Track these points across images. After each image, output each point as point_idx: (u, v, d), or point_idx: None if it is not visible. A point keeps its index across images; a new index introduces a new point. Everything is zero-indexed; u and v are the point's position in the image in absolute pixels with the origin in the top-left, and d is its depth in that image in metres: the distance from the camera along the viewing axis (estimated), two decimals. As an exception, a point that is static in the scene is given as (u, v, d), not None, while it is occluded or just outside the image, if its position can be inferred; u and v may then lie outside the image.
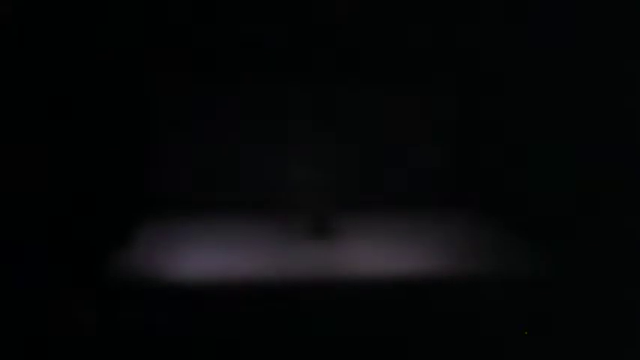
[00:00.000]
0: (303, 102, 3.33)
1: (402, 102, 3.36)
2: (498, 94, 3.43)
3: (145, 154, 3.34)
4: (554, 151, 3.47)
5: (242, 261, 2.64)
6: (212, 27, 3.27)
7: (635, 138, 3.45)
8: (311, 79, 3.36)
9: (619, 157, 3.45)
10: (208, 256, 2.69)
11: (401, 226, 3.04)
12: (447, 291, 2.57)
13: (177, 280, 2.51)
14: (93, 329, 2.51)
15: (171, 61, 3.29)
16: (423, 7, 3.33)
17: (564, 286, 2.61)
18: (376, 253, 2.70)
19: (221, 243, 2.83)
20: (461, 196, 3.43)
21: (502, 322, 2.59)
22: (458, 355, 2.58)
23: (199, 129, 3.31)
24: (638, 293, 2.95)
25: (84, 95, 3.28)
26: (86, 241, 3.25)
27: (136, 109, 3.32)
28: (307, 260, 2.64)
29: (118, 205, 3.34)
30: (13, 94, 3.23)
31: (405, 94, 3.37)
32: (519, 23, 3.36)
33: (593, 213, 3.42)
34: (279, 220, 3.13)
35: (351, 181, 3.36)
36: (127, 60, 3.28)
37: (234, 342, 2.54)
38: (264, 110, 3.33)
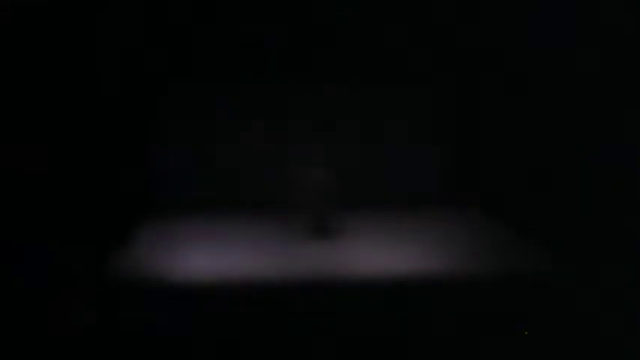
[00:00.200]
0: (303, 102, 3.33)
1: (403, 102, 3.36)
2: (498, 94, 3.43)
3: (145, 154, 3.34)
4: (555, 150, 3.47)
5: (242, 261, 2.64)
6: (212, 27, 3.27)
7: (635, 138, 3.44)
8: (311, 79, 3.36)
9: (619, 157, 3.45)
10: (209, 256, 2.69)
11: (402, 226, 3.04)
12: (448, 291, 2.57)
13: (178, 280, 2.50)
14: (93, 329, 2.51)
15: (171, 61, 3.29)
16: (422, 7, 3.33)
17: (564, 286, 2.61)
18: (377, 253, 2.70)
19: (222, 243, 2.83)
20: (461, 195, 3.43)
21: (502, 322, 2.59)
22: (458, 355, 2.58)
23: (200, 129, 3.31)
24: (638, 293, 2.95)
25: (84, 95, 3.28)
26: (86, 241, 3.25)
27: (136, 109, 3.32)
28: (308, 260, 2.64)
29: (118, 205, 3.34)
30: (14, 94, 3.23)
31: (405, 93, 3.36)
32: (519, 23, 3.36)
33: (593, 213, 3.42)
34: (280, 220, 3.12)
35: (351, 180, 3.36)
36: (127, 60, 3.27)
37: (235, 342, 2.54)
38: (265, 110, 3.33)
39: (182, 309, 2.51)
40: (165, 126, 3.29)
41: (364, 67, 3.37)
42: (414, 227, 3.02)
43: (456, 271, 2.57)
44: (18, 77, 3.22)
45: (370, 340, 2.55)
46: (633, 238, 3.29)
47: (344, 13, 3.31)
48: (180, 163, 3.30)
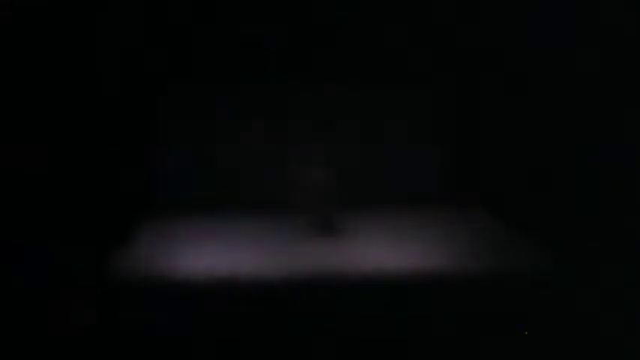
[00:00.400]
0: (303, 102, 3.33)
1: (403, 102, 3.36)
2: (498, 94, 3.43)
3: (145, 154, 3.34)
4: (555, 150, 3.47)
5: (243, 260, 2.63)
6: (212, 27, 3.27)
7: (635, 138, 3.44)
8: (311, 79, 3.36)
9: (619, 157, 3.45)
10: (209, 255, 2.69)
11: (401, 226, 3.04)
12: (448, 290, 2.57)
13: (179, 280, 2.50)
14: (93, 329, 2.51)
15: (171, 61, 3.30)
16: (422, 7, 3.33)
17: (564, 286, 2.61)
18: (377, 252, 2.70)
19: (222, 243, 2.83)
20: (462, 195, 3.43)
21: (502, 322, 2.59)
22: (458, 355, 2.58)
23: (200, 129, 3.31)
24: (638, 293, 2.95)
25: (84, 95, 3.28)
26: (86, 241, 3.25)
27: (136, 109, 3.32)
28: (311, 259, 2.64)
29: (118, 205, 3.34)
30: (14, 94, 3.23)
31: (405, 93, 3.36)
32: (519, 23, 3.36)
33: (593, 213, 3.42)
34: (280, 220, 3.12)
35: (351, 180, 3.36)
36: (127, 60, 3.28)
37: (236, 342, 2.54)
38: (265, 110, 3.33)
39: (183, 309, 2.51)
40: (165, 126, 3.29)
41: (364, 67, 3.37)
42: (414, 227, 3.02)
43: (455, 271, 2.57)
44: (18, 77, 3.22)
45: (371, 339, 2.56)
46: (633, 238, 3.29)
47: (344, 13, 3.31)
48: (180, 163, 3.30)
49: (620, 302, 2.89)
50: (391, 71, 3.38)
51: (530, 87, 3.43)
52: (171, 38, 3.27)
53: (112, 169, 3.34)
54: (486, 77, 3.42)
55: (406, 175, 3.38)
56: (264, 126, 3.33)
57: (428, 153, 3.38)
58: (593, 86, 3.43)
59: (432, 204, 3.36)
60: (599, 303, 2.83)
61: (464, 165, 3.44)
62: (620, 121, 3.45)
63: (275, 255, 2.69)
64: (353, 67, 3.36)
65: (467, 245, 2.80)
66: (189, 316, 2.51)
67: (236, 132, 3.32)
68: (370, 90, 3.35)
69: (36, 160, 3.27)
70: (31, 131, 3.26)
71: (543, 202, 3.44)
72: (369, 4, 3.31)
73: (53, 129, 3.27)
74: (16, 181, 3.25)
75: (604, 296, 2.87)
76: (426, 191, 3.39)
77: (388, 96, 3.36)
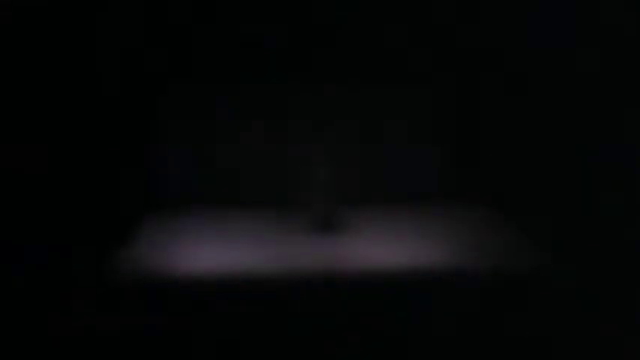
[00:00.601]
0: (303, 102, 3.33)
1: (403, 102, 3.36)
2: (498, 94, 3.43)
3: (145, 154, 3.34)
4: (555, 150, 3.47)
5: (245, 259, 2.63)
6: (212, 27, 3.27)
7: (635, 138, 3.44)
8: (311, 79, 3.36)
9: (619, 157, 3.45)
10: (209, 255, 2.69)
11: (401, 226, 3.04)
12: (449, 289, 2.57)
13: (179, 280, 2.50)
14: (92, 329, 2.51)
15: (171, 61, 3.29)
16: (422, 7, 3.33)
17: (564, 286, 2.61)
18: (381, 251, 2.71)
19: (222, 243, 2.83)
20: (461, 195, 3.43)
21: (502, 322, 2.59)
22: (458, 355, 2.58)
23: (200, 129, 3.31)
24: (638, 293, 2.95)
25: (84, 95, 3.28)
26: (86, 241, 3.25)
27: (137, 109, 3.32)
28: (312, 259, 2.64)
29: (118, 205, 3.34)
30: (14, 94, 3.23)
31: (405, 93, 3.36)
32: (519, 23, 3.36)
33: (593, 213, 3.42)
34: (283, 219, 3.12)
35: (351, 179, 3.36)
36: (127, 60, 3.28)
37: (237, 340, 2.53)
38: (265, 110, 3.33)
39: (183, 309, 2.51)
40: (165, 126, 3.29)
41: (364, 67, 3.37)
42: (414, 227, 3.02)
43: (455, 271, 2.57)
44: (18, 77, 3.22)
45: (371, 338, 2.56)
46: (633, 238, 3.29)
47: (344, 13, 3.31)
48: (180, 163, 3.29)
49: (620, 302, 2.89)
50: (391, 71, 3.38)
51: (530, 87, 3.42)
52: (171, 38, 3.27)
53: (112, 169, 3.34)
54: (486, 77, 3.42)
55: (406, 175, 3.38)
56: (264, 126, 3.33)
57: (428, 153, 3.38)
58: (593, 86, 3.43)
59: (431, 204, 3.36)
60: (599, 303, 2.83)
61: (464, 165, 3.44)
62: (620, 121, 3.45)
63: (275, 254, 2.69)
64: (353, 67, 3.36)
65: (467, 245, 2.80)
66: (189, 316, 2.51)
67: (236, 132, 3.32)
68: (370, 90, 3.35)
69: (36, 160, 3.27)
70: (31, 131, 3.26)
71: (543, 202, 3.44)
72: (369, 4, 3.31)
73: (53, 129, 3.27)
74: (16, 181, 3.25)
75: (604, 296, 2.87)
76: (425, 191, 3.39)
77: (388, 96, 3.36)
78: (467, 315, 2.57)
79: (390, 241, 2.84)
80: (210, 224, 3.06)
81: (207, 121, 3.30)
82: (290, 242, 2.83)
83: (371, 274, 2.54)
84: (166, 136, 3.29)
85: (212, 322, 2.52)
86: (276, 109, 3.33)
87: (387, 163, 3.37)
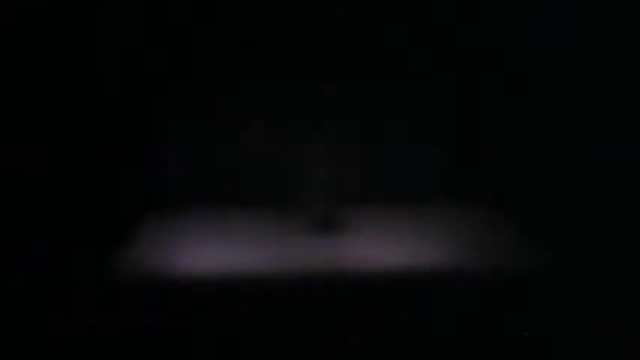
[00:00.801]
0: (303, 102, 3.33)
1: (403, 101, 3.36)
2: (498, 94, 3.43)
3: (145, 154, 3.34)
4: (555, 150, 3.47)
5: (245, 259, 2.63)
6: (212, 27, 3.27)
7: (635, 138, 3.44)
8: (311, 79, 3.36)
9: (619, 157, 3.45)
10: (209, 255, 2.69)
11: (404, 224, 3.04)
12: (449, 289, 2.57)
13: (179, 280, 2.51)
14: (92, 329, 2.51)
15: (171, 61, 3.29)
16: (422, 7, 3.33)
17: (564, 286, 2.61)
18: (381, 251, 2.71)
19: (222, 243, 2.83)
20: (462, 195, 3.43)
21: (501, 322, 2.59)
22: (458, 355, 2.58)
23: (200, 129, 3.31)
24: (638, 293, 2.95)
25: (84, 95, 3.28)
26: (86, 241, 3.25)
27: (137, 109, 3.32)
28: (312, 259, 2.64)
29: (118, 205, 3.34)
30: (14, 94, 3.23)
31: (405, 93, 3.36)
32: (519, 23, 3.36)
33: (593, 213, 3.42)
34: (283, 219, 3.12)
35: (351, 179, 3.36)
36: (127, 60, 3.28)
37: (238, 342, 2.53)
38: (265, 110, 3.33)
39: (183, 309, 2.51)
40: (165, 126, 3.28)
41: (364, 67, 3.37)
42: (414, 226, 3.02)
43: (455, 271, 2.57)
44: (18, 77, 3.22)
45: (371, 337, 2.56)
46: (633, 238, 3.29)
47: (344, 13, 3.31)
48: (180, 163, 3.29)
49: (620, 302, 2.89)
50: (391, 71, 3.38)
51: (530, 87, 3.42)
52: (171, 38, 3.27)
53: (112, 169, 3.34)
54: (486, 77, 3.42)
55: (406, 175, 3.38)
56: (264, 126, 3.33)
57: (428, 153, 3.38)
58: (593, 86, 3.43)
59: (431, 204, 3.36)
60: (599, 303, 2.83)
61: (464, 165, 3.44)
62: (620, 121, 3.45)
63: (275, 254, 2.69)
64: (353, 67, 3.36)
65: (467, 245, 2.80)
66: (189, 316, 2.51)
67: (236, 132, 3.32)
68: (370, 90, 3.35)
69: (36, 160, 3.27)
70: (31, 131, 3.26)
71: (543, 202, 3.44)
72: (369, 4, 3.31)
73: (53, 129, 3.27)
74: (16, 181, 3.25)
75: (604, 296, 2.87)
76: (425, 191, 3.39)
77: (388, 96, 3.36)
78: (467, 315, 2.57)
79: (390, 241, 2.84)
80: (210, 224, 3.06)
81: (207, 121, 3.30)
82: (290, 242, 2.83)
83: (371, 274, 2.54)
84: (166, 136, 3.29)
85: (212, 322, 2.52)
86: (276, 109, 3.33)
87: (387, 163, 3.37)
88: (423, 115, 3.37)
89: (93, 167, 3.32)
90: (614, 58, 3.40)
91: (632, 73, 3.41)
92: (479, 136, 3.46)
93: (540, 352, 2.58)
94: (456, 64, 3.39)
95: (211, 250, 2.74)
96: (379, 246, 2.78)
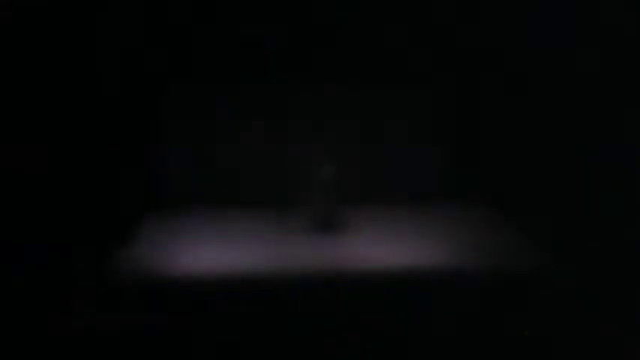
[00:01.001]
0: (303, 102, 3.33)
1: (403, 101, 3.36)
2: (498, 94, 3.43)
3: (145, 154, 3.34)
4: (555, 150, 3.47)
5: (245, 259, 2.63)
6: (212, 27, 3.27)
7: (635, 138, 3.44)
8: (311, 79, 3.36)
9: (619, 157, 3.45)
10: (209, 255, 2.69)
11: (405, 223, 3.04)
12: (449, 289, 2.57)
13: (179, 280, 2.50)
14: (92, 329, 2.51)
15: (171, 61, 3.29)
16: (422, 7, 3.33)
17: (564, 286, 2.61)
18: (381, 251, 2.71)
19: (222, 243, 2.83)
20: (462, 195, 3.43)
21: (501, 322, 2.59)
22: (458, 355, 2.58)
23: (200, 129, 3.31)
24: (638, 293, 2.95)
25: (84, 95, 3.28)
26: (86, 241, 3.25)
27: (136, 109, 3.32)
28: (312, 259, 2.64)
29: (118, 205, 3.34)
30: (14, 93, 3.23)
31: (405, 93, 3.37)
32: (519, 23, 3.36)
33: (593, 213, 3.42)
34: (283, 219, 3.13)
35: (351, 179, 3.36)
36: (127, 60, 3.27)
37: (238, 342, 2.54)
38: (265, 110, 3.33)
39: (183, 309, 2.51)
40: (166, 126, 3.29)
41: (364, 67, 3.37)
42: (414, 226, 3.02)
43: (455, 271, 2.57)
44: (18, 77, 3.22)
45: (371, 337, 2.56)
46: (633, 238, 3.29)
47: (344, 13, 3.31)
48: (180, 163, 3.29)
49: (620, 302, 2.89)
50: (391, 71, 3.38)
51: (530, 87, 3.42)
52: (171, 38, 3.27)
53: (112, 169, 3.34)
54: (486, 77, 3.42)
55: (406, 175, 3.38)
56: (264, 126, 3.33)
57: (428, 153, 3.38)
58: (593, 86, 3.43)
59: (431, 204, 3.36)
60: (599, 303, 2.83)
61: (464, 165, 3.44)
62: (620, 121, 3.45)
63: (275, 254, 2.69)
64: (353, 67, 3.36)
65: (467, 245, 2.80)
66: (189, 316, 2.51)
67: (236, 132, 3.32)
68: (370, 90, 3.35)
69: (36, 160, 3.27)
70: (31, 131, 3.26)
71: (543, 202, 3.44)
72: (369, 4, 3.31)
73: (53, 129, 3.27)
74: (16, 181, 3.25)
75: (604, 296, 2.87)
76: (425, 191, 3.39)
77: (388, 96, 3.36)
78: (467, 315, 2.57)
79: (390, 241, 2.84)
80: (210, 224, 3.06)
81: (207, 121, 3.30)
82: (290, 242, 2.83)
83: (371, 274, 2.54)
84: (166, 136, 3.29)
85: (212, 322, 2.52)
86: (276, 109, 3.33)
87: (387, 163, 3.37)
88: (423, 115, 3.37)
89: (93, 167, 3.32)
90: (614, 58, 3.40)
91: (632, 73, 3.41)
92: (479, 136, 3.46)
93: (540, 352, 2.58)
94: (456, 64, 3.39)
95: (211, 250, 2.74)
96: (379, 246, 2.78)
